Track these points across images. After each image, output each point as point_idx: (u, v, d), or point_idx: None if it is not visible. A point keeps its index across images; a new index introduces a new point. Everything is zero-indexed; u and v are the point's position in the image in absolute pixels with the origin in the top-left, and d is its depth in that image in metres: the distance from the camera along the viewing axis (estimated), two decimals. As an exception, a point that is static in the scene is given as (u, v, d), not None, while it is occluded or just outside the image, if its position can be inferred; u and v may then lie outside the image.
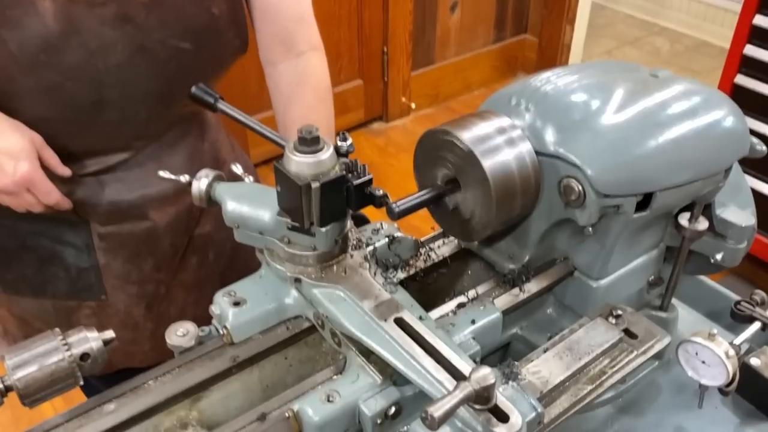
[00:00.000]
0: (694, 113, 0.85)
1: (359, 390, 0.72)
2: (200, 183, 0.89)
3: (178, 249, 1.28)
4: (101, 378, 1.18)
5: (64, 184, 1.12)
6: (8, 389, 0.69)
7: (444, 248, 0.96)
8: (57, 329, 0.73)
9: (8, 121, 1.04)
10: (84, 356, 0.72)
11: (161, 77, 1.11)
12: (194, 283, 1.33)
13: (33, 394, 0.70)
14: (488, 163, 0.79)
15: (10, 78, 1.04)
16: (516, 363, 0.73)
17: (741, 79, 2.38)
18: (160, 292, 1.29)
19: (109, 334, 0.75)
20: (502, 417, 0.63)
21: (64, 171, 1.09)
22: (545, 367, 0.74)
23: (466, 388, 0.59)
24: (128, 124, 1.11)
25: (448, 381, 0.66)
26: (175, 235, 1.26)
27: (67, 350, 0.71)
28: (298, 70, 1.27)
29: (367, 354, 0.74)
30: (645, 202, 0.83)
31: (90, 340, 0.73)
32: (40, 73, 1.05)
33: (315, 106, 1.28)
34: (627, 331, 0.79)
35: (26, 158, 1.02)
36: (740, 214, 0.92)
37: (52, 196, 1.07)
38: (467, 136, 0.81)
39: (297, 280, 0.80)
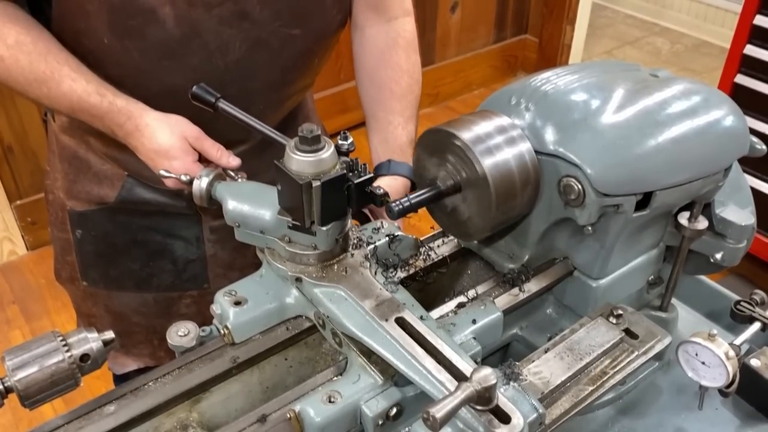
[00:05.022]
0: (693, 113, 0.85)
1: (360, 391, 0.72)
2: (201, 182, 0.89)
3: None
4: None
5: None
6: (8, 390, 0.69)
7: (443, 247, 0.96)
8: (56, 330, 0.73)
9: (159, 120, 1.03)
10: (84, 357, 0.72)
11: (275, 66, 1.14)
12: None
13: (33, 396, 0.70)
14: (488, 162, 0.79)
15: (135, 84, 1.06)
16: (517, 363, 0.73)
17: (741, 79, 2.38)
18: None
19: (109, 334, 0.75)
20: (504, 418, 0.62)
21: (231, 161, 1.05)
22: (546, 368, 0.74)
23: (467, 389, 0.59)
24: None
25: (450, 381, 0.66)
26: None
27: (67, 351, 0.71)
28: (390, 35, 1.26)
29: (369, 354, 0.74)
30: (644, 201, 0.83)
31: (90, 340, 0.72)
32: (164, 77, 1.07)
33: (405, 68, 1.25)
34: (628, 331, 0.79)
35: (177, 155, 1.01)
36: (740, 214, 0.92)
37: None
38: (467, 135, 0.81)
39: (298, 280, 0.80)
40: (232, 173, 1.04)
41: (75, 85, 1.01)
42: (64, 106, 1.04)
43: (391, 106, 1.23)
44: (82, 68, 1.03)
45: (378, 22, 1.25)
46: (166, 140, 1.02)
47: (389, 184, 1.17)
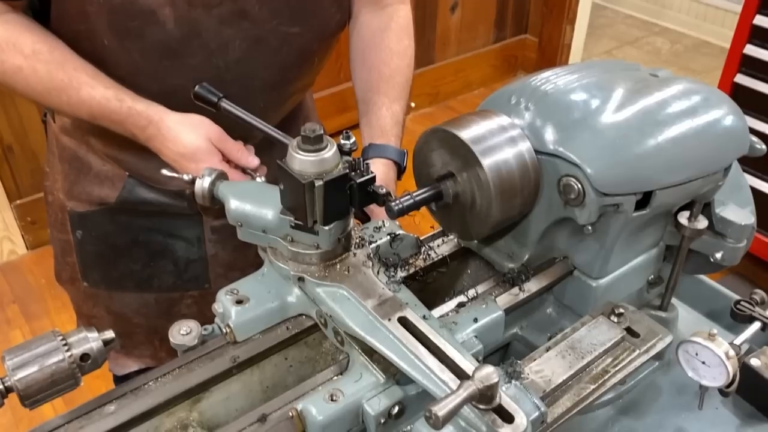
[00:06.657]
0: (693, 112, 0.85)
1: (363, 389, 0.72)
2: (203, 181, 0.89)
3: None
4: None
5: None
6: (8, 390, 0.69)
7: (443, 247, 0.96)
8: (56, 329, 0.73)
9: (182, 122, 1.04)
10: (84, 357, 0.72)
11: (275, 65, 1.14)
12: None
13: (33, 395, 0.70)
14: (488, 162, 0.79)
15: (136, 85, 1.06)
16: (519, 362, 0.73)
17: (741, 79, 2.38)
18: None
19: (109, 334, 0.75)
20: (506, 417, 0.63)
21: (252, 162, 1.07)
22: (548, 366, 0.74)
23: (469, 387, 0.59)
24: None
25: (452, 380, 0.66)
26: None
27: (67, 350, 0.71)
28: (383, 19, 1.26)
29: (371, 353, 0.74)
30: (644, 200, 0.83)
31: (90, 340, 0.72)
32: (164, 78, 1.07)
33: (396, 50, 1.25)
34: (629, 330, 0.79)
35: (203, 158, 1.02)
36: (740, 213, 0.92)
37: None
38: (467, 134, 0.81)
39: (300, 279, 0.80)
40: (251, 172, 1.04)
41: (93, 91, 1.02)
42: (85, 113, 1.05)
43: (378, 87, 1.23)
44: (99, 74, 1.04)
45: (372, 9, 1.26)
46: (192, 142, 1.03)
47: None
